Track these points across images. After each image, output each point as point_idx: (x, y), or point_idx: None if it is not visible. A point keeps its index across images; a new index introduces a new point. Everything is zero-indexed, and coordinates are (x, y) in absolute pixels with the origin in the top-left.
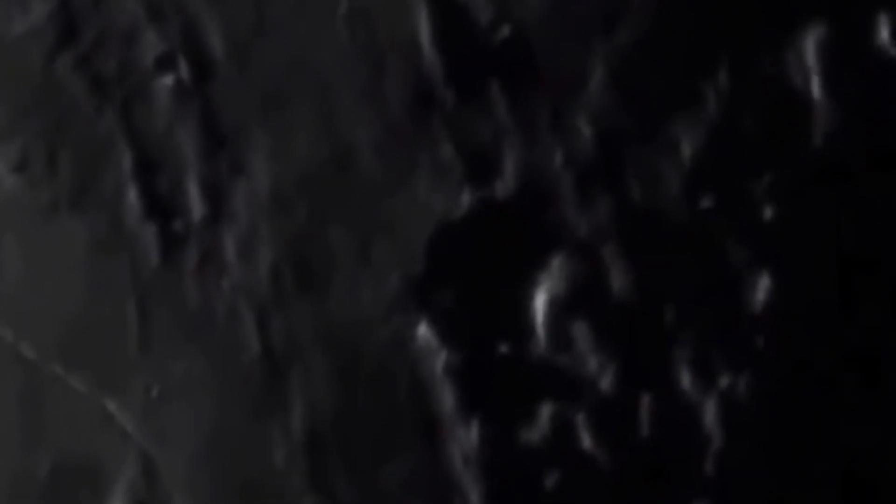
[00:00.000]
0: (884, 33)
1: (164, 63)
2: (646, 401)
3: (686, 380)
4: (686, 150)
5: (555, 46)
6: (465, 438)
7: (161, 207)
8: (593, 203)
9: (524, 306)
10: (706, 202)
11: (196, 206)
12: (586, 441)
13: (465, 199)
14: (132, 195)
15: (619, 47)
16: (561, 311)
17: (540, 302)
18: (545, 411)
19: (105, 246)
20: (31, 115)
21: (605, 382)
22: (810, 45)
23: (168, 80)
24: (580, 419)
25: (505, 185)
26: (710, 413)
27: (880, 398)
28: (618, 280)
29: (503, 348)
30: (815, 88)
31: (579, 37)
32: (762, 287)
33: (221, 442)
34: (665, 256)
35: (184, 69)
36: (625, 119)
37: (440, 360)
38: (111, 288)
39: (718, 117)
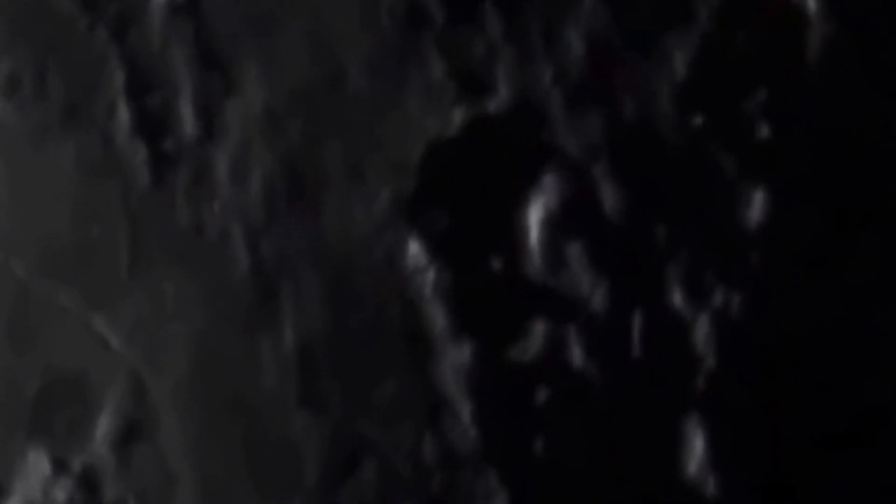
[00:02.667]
0: None
1: None
2: (638, 319)
3: (678, 297)
4: (679, 66)
5: None
6: (457, 356)
7: (153, 127)
8: (585, 120)
9: (516, 225)
10: (699, 119)
11: (188, 125)
12: (578, 359)
13: (457, 117)
14: (124, 115)
15: None
16: (553, 229)
17: (532, 220)
18: (537, 329)
19: (96, 165)
20: (21, 37)
21: (597, 300)
22: None
23: None
24: (572, 337)
25: (497, 103)
26: (702, 331)
27: (875, 315)
28: (610, 198)
29: (495, 266)
30: (811, 3)
31: None
32: (756, 204)
33: (211, 360)
34: (657, 174)
35: None
36: (617, 35)
37: (431, 278)
38: (102, 207)
39: (711, 33)
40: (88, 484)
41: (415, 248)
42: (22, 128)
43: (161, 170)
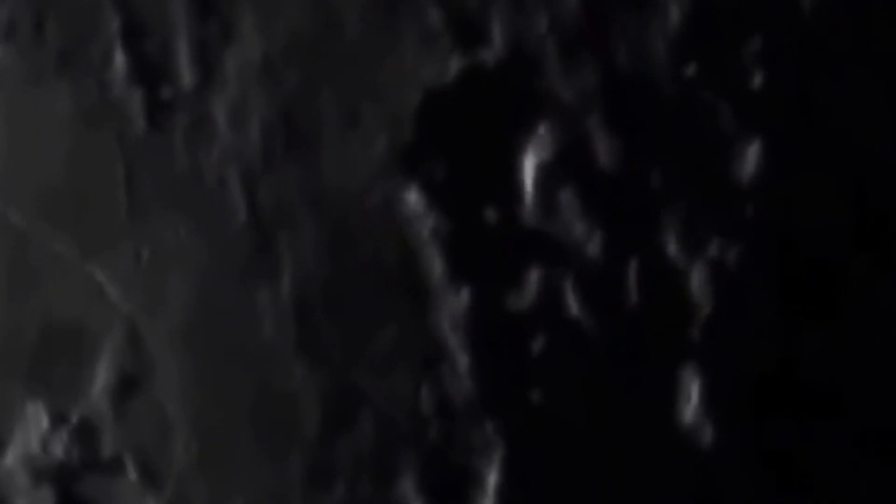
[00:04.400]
0: None
1: None
2: (633, 267)
3: (673, 246)
4: (674, 15)
5: None
6: (454, 304)
7: (149, 74)
8: (580, 69)
9: (512, 173)
10: (693, 68)
11: (185, 72)
12: (573, 307)
13: (453, 66)
14: (120, 61)
15: None
16: (548, 177)
17: (527, 168)
18: (532, 277)
19: (92, 112)
20: None
21: (593, 248)
22: None
23: None
24: (567, 285)
25: (492, 52)
26: (697, 280)
27: (872, 262)
28: (605, 147)
29: (491, 214)
30: None
31: None
32: (751, 154)
33: (209, 309)
34: (652, 123)
35: None
36: None
37: (428, 225)
38: (98, 155)
39: None
40: (86, 436)
41: (413, 196)
42: (18, 73)
43: (158, 116)
